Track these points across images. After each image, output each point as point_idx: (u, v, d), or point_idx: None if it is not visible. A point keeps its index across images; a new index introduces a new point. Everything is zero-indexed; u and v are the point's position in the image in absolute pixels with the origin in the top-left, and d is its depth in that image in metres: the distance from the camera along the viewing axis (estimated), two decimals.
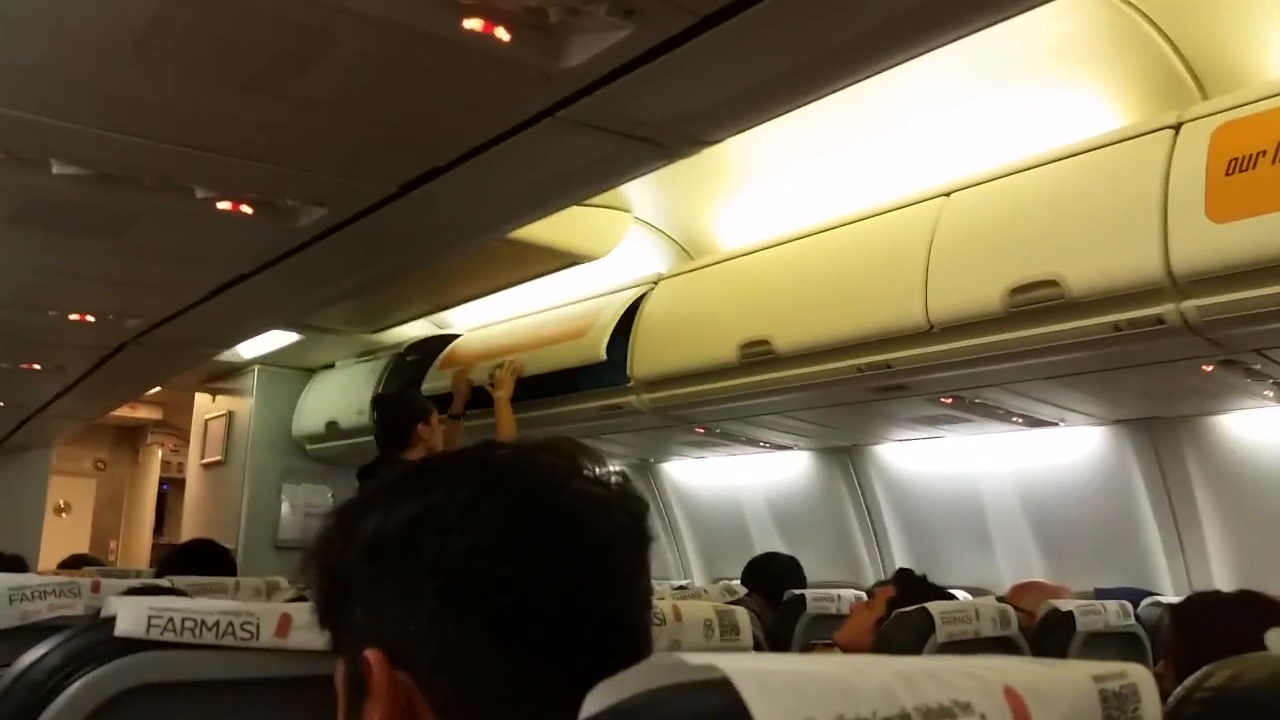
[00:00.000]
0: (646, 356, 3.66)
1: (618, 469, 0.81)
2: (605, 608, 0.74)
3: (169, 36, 1.60)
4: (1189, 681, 0.88)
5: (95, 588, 2.05)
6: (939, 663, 0.52)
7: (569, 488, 0.76)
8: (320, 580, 0.81)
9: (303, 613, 1.21)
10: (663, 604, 1.91)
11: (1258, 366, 2.66)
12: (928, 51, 1.70)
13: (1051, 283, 2.47)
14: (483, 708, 0.71)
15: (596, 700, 0.48)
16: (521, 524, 0.74)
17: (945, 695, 0.48)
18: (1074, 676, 0.56)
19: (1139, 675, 0.59)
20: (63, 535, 8.62)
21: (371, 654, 0.73)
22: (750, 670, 0.44)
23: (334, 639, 0.81)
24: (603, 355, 3.70)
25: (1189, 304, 2.31)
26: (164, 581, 2.26)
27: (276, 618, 1.22)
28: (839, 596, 3.44)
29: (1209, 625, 1.83)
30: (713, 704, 0.44)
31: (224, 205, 2.32)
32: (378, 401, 4.40)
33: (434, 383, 4.53)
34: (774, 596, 3.57)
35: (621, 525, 0.77)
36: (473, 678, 0.71)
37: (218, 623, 1.17)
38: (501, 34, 1.56)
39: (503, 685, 0.71)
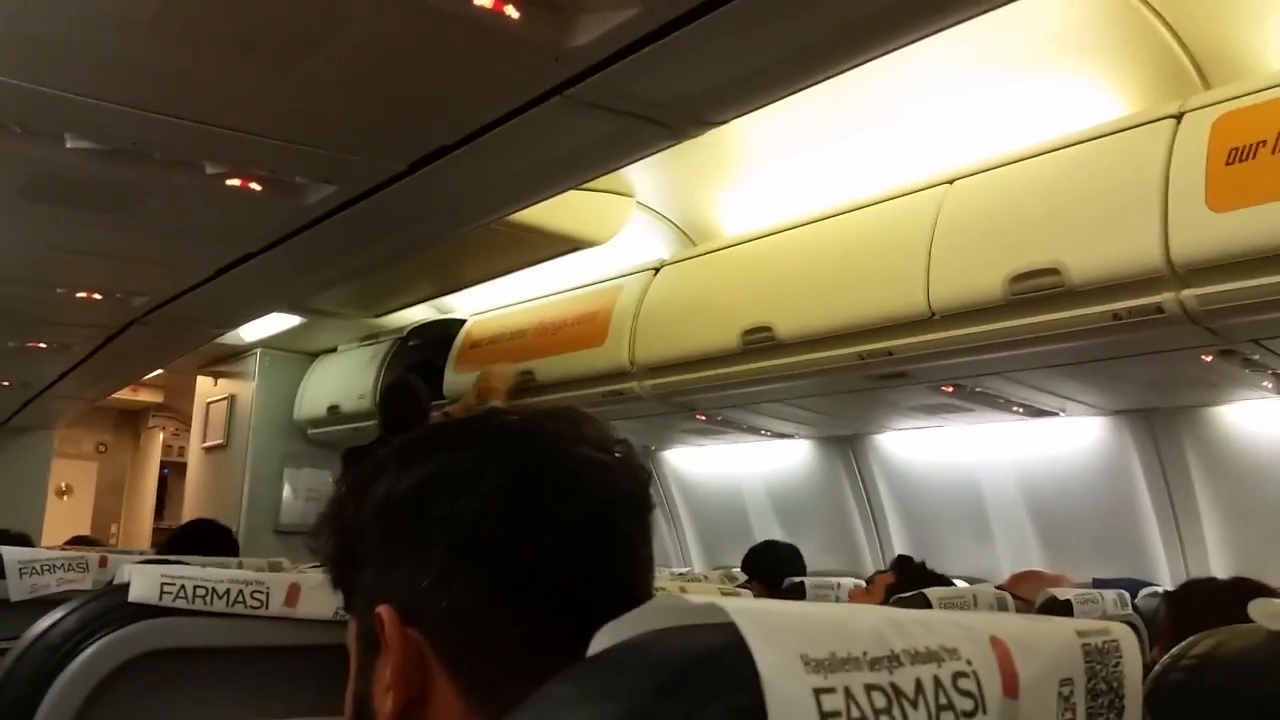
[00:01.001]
0: (648, 342, 3.68)
1: (623, 440, 0.83)
2: (608, 568, 0.77)
3: (184, 11, 1.62)
4: (1175, 650, 0.90)
5: (103, 562, 2.08)
6: (930, 613, 0.54)
7: (574, 453, 0.79)
8: (334, 542, 0.83)
9: (311, 582, 1.24)
10: (667, 583, 1.94)
11: (1256, 357, 2.68)
12: (933, 34, 1.71)
13: (1052, 271, 2.49)
14: (490, 661, 0.73)
15: (604, 638, 0.50)
16: (528, 486, 0.76)
17: (934, 641, 0.51)
18: (1059, 630, 0.59)
19: (1121, 632, 0.62)
20: (64, 518, 8.65)
21: (384, 610, 0.75)
22: (750, 610, 0.46)
23: (346, 598, 0.83)
24: (625, 362, 3.72)
25: (1188, 293, 2.33)
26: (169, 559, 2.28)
27: (286, 587, 1.24)
28: (838, 585, 3.47)
29: (1203, 610, 1.86)
30: (715, 641, 0.46)
31: (233, 182, 2.34)
32: (392, 388, 4.36)
33: (456, 373, 4.55)
34: (774, 584, 3.60)
35: (624, 490, 0.79)
36: (481, 632, 0.73)
37: (229, 591, 1.20)
38: (511, 11, 1.58)
39: (510, 640, 0.73)
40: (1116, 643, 0.62)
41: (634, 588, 0.78)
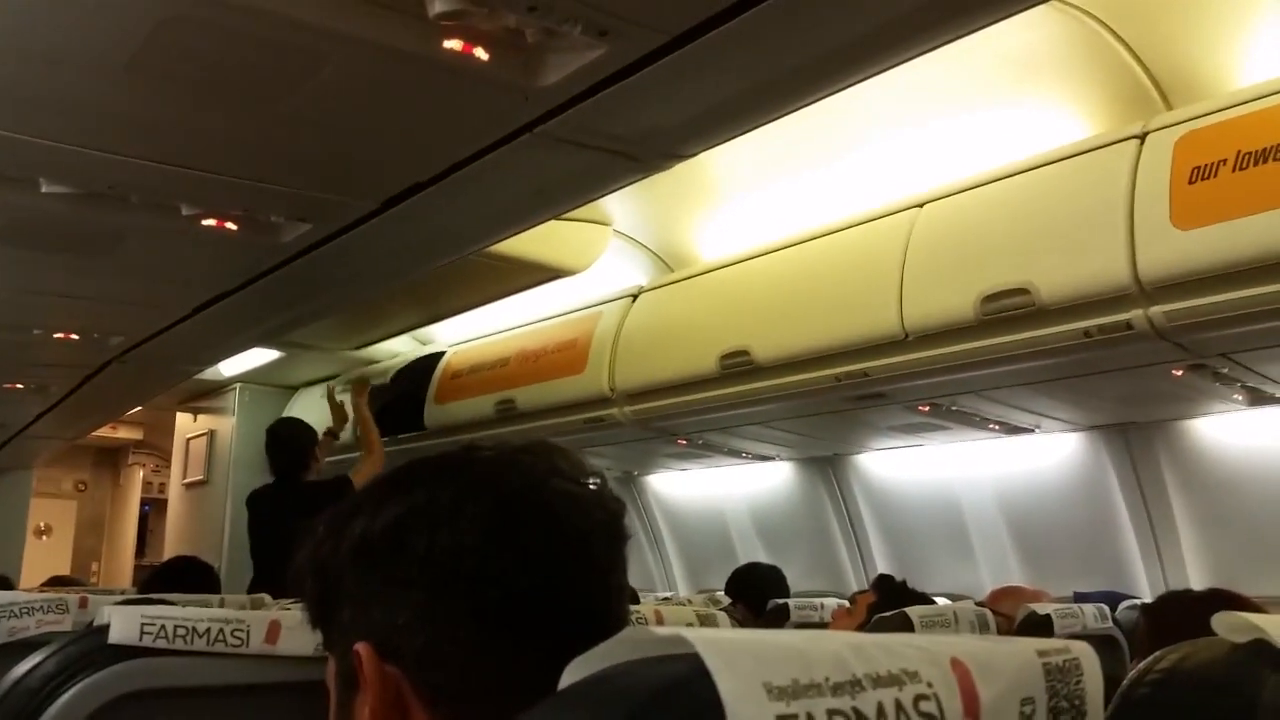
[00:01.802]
0: (628, 369, 3.70)
1: (596, 471, 0.85)
2: (584, 599, 0.78)
3: (159, 58, 1.64)
4: (1141, 665, 0.91)
5: (83, 604, 2.06)
6: (890, 637, 0.56)
7: (548, 486, 0.80)
8: (311, 582, 0.84)
9: (291, 620, 1.24)
10: (646, 609, 1.95)
11: (1225, 370, 2.72)
12: (892, 68, 1.75)
13: (1023, 290, 2.52)
14: (468, 695, 0.74)
15: (574, 672, 0.51)
16: (504, 521, 0.77)
17: (894, 664, 0.52)
18: (1019, 650, 0.60)
19: (1082, 650, 0.63)
20: (43, 558, 8.56)
21: (362, 647, 0.76)
22: (714, 640, 0.48)
23: (325, 637, 0.84)
24: (605, 388, 3.74)
25: (1156, 309, 2.37)
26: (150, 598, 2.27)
27: (266, 624, 1.25)
28: (821, 605, 3.48)
29: (1180, 623, 1.88)
30: (679, 671, 0.47)
31: (209, 222, 2.35)
32: (274, 432, 4.51)
33: (437, 404, 4.57)
34: (758, 606, 3.60)
35: (598, 521, 0.81)
36: (458, 668, 0.74)
37: (209, 630, 1.21)
38: (480, 53, 1.61)
39: (487, 673, 0.74)
40: (1077, 661, 0.63)
41: (610, 616, 0.79)
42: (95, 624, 1.19)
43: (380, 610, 0.77)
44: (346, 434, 4.70)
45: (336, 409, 4.72)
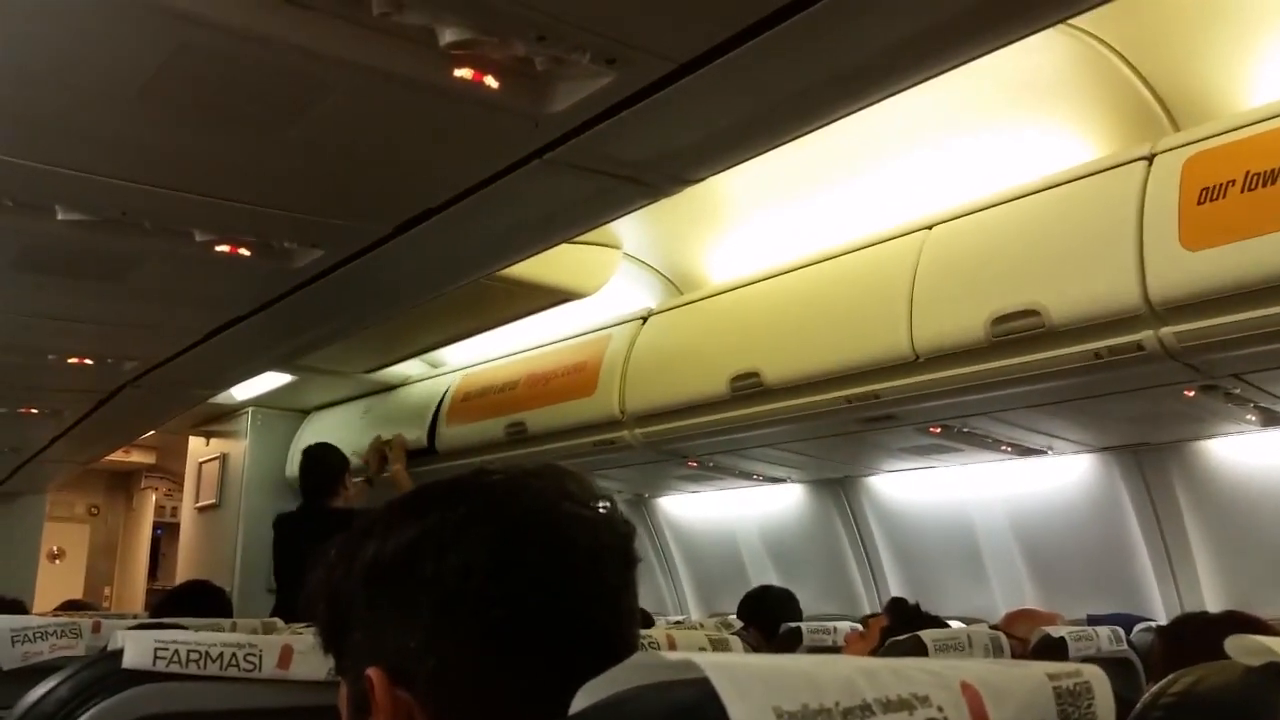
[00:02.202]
0: (638, 391, 3.70)
1: (606, 494, 0.85)
2: (594, 622, 0.78)
3: (172, 86, 1.66)
4: (1155, 688, 0.91)
5: (96, 628, 2.07)
6: (901, 661, 0.56)
7: (558, 509, 0.81)
8: (323, 606, 0.85)
9: (304, 644, 1.24)
10: (657, 633, 1.95)
11: (1238, 391, 2.71)
12: (898, 93, 1.76)
13: (1032, 312, 2.52)
14: (478, 719, 0.75)
15: (584, 698, 0.52)
16: (513, 544, 0.78)
17: (905, 689, 0.52)
18: (1029, 674, 0.60)
19: (1093, 674, 0.63)
20: (56, 582, 8.55)
21: (373, 672, 0.77)
22: (723, 665, 0.48)
23: (337, 662, 0.84)
24: (616, 411, 3.75)
25: (1167, 330, 2.36)
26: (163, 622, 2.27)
27: (279, 649, 1.25)
28: (834, 629, 3.46)
29: (1197, 645, 1.87)
30: (690, 697, 0.48)
31: (222, 248, 2.37)
32: (306, 453, 4.58)
33: (448, 427, 4.60)
34: (770, 631, 3.58)
35: (607, 544, 0.81)
36: (469, 691, 0.75)
37: (222, 654, 1.21)
38: (490, 82, 1.63)
39: (497, 697, 0.75)
40: (1088, 684, 0.63)
41: (620, 640, 0.80)
42: (109, 648, 1.19)
43: (392, 634, 0.77)
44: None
45: (376, 459, 4.74)
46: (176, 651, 1.18)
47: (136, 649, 1.16)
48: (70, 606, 5.00)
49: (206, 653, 1.20)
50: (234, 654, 1.21)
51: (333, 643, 0.84)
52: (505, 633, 0.75)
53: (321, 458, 4.47)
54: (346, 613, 0.82)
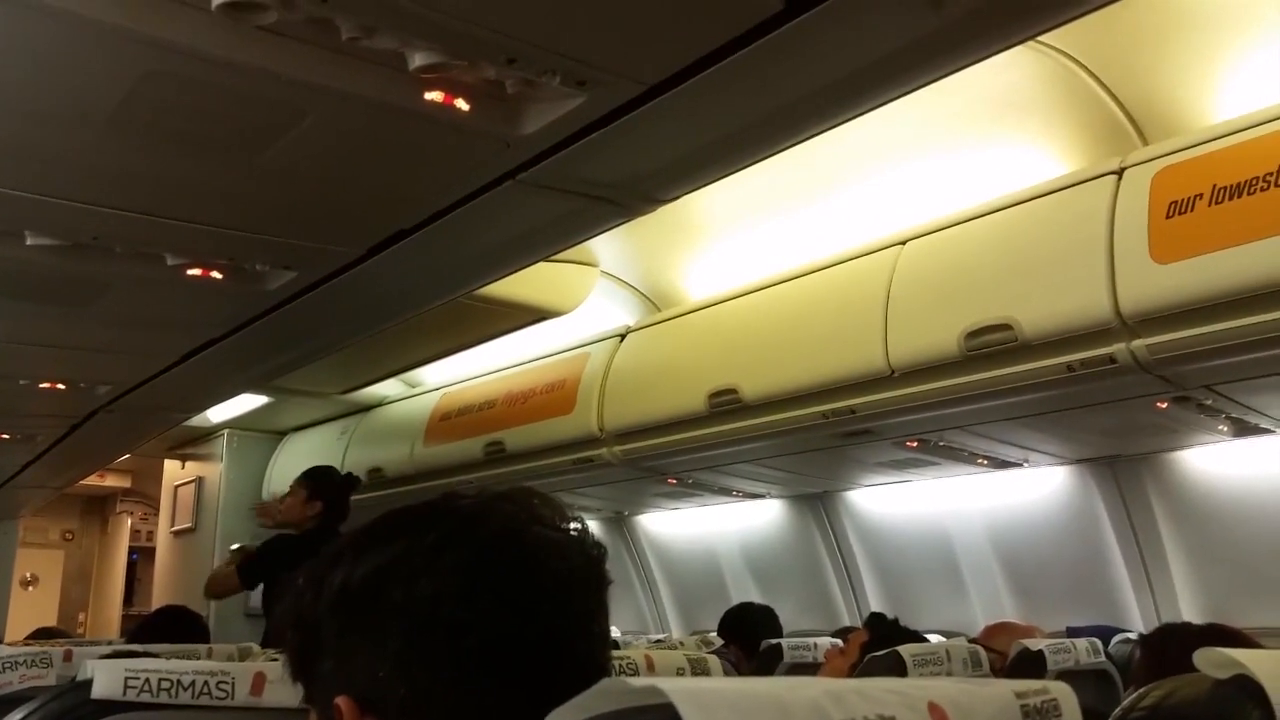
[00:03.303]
0: (617, 408, 3.70)
1: (576, 517, 0.85)
2: (565, 646, 0.78)
3: (142, 111, 1.66)
4: (1126, 702, 0.92)
5: (68, 657, 2.04)
6: (870, 682, 0.56)
7: (528, 533, 0.80)
8: (292, 634, 0.84)
9: (276, 671, 1.23)
10: (635, 654, 1.94)
11: (1209, 402, 2.73)
12: (868, 112, 1.78)
13: (1006, 326, 2.54)
14: None
15: None
16: (483, 569, 0.77)
17: (872, 710, 0.53)
18: (997, 693, 0.61)
19: (1060, 691, 0.64)
20: (29, 609, 8.45)
21: (342, 701, 0.76)
22: (689, 690, 0.48)
23: (306, 691, 0.84)
24: (594, 429, 3.74)
25: (1138, 343, 2.39)
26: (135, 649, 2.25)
27: (251, 677, 1.24)
28: (815, 645, 3.46)
29: (1179, 657, 1.87)
30: None
31: (194, 271, 2.36)
32: (323, 476, 4.38)
33: (432, 444, 4.56)
34: (750, 647, 3.57)
35: (578, 567, 0.81)
36: (440, 718, 0.74)
37: (194, 682, 1.20)
38: (461, 104, 1.63)
39: None
40: (1055, 701, 0.64)
41: (591, 663, 0.79)
42: (79, 678, 1.18)
43: (361, 662, 0.77)
44: None
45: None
46: (148, 680, 1.17)
47: (106, 679, 1.15)
48: (42, 634, 4.93)
49: (178, 681, 1.19)
50: (206, 682, 1.20)
51: (302, 671, 0.83)
52: (476, 661, 0.75)
53: (340, 485, 4.29)
54: (315, 641, 0.81)
